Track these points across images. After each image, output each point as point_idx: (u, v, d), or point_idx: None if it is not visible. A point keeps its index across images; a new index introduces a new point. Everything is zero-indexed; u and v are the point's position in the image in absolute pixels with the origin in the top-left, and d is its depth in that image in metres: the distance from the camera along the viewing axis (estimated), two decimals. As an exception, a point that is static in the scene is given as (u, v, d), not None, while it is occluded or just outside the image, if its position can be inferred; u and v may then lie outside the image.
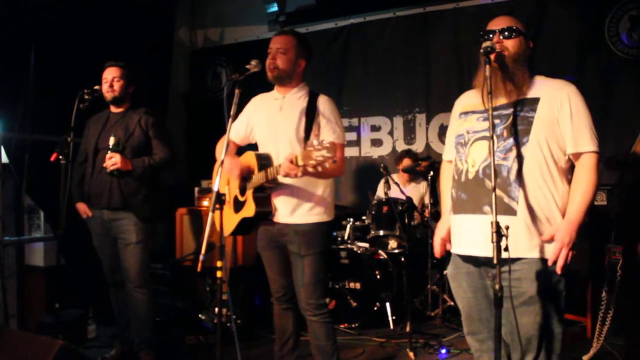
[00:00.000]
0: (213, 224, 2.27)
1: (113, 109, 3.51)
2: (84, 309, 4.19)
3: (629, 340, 3.43)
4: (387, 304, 4.36)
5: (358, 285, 4.36)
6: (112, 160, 3.26)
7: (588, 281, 3.92)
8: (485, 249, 1.87)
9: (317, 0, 5.73)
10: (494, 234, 1.80)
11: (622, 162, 3.73)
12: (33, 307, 4.40)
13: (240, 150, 3.00)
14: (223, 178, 2.94)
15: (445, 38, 5.23)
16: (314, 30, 5.79)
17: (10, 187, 4.32)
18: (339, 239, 4.66)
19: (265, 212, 2.76)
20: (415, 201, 4.79)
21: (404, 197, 4.43)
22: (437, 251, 2.34)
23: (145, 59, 5.01)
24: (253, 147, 2.95)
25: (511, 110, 2.08)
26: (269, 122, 2.83)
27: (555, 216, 2.05)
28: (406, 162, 4.96)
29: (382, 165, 4.51)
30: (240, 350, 2.49)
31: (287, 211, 2.75)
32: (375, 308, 4.31)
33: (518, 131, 2.06)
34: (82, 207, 3.53)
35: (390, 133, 5.54)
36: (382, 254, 4.56)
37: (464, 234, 2.15)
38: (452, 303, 4.50)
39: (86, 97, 3.41)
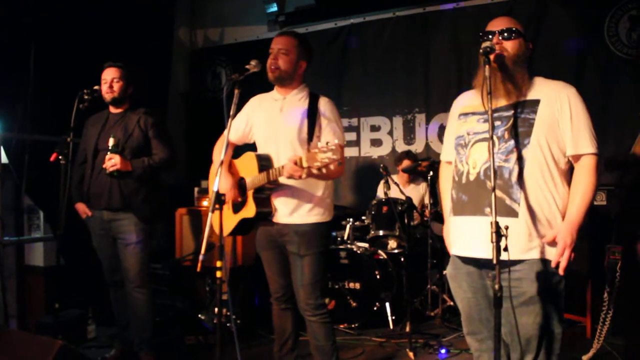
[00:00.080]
0: (212, 224, 2.27)
1: (112, 110, 3.51)
2: (83, 309, 4.19)
3: (629, 340, 3.44)
4: (387, 304, 4.36)
5: (358, 286, 4.37)
6: (112, 162, 3.26)
7: (587, 281, 3.93)
8: (487, 251, 1.87)
9: (317, 0, 5.73)
10: (494, 234, 1.80)
11: (621, 163, 3.73)
12: (33, 307, 4.40)
13: (238, 150, 3.00)
14: (222, 184, 2.94)
15: (445, 38, 5.23)
16: (313, 31, 5.79)
17: (10, 187, 4.32)
18: (339, 239, 4.66)
19: (265, 212, 2.76)
20: (415, 201, 4.79)
21: (403, 198, 4.43)
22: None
23: (145, 59, 5.01)
24: (251, 147, 2.95)
25: (512, 112, 2.08)
26: (269, 122, 2.83)
27: (556, 218, 2.06)
28: (406, 162, 4.96)
29: (381, 165, 4.52)
30: (240, 350, 2.49)
31: (287, 211, 2.75)
32: (375, 308, 4.32)
33: (519, 133, 2.06)
34: (81, 207, 3.53)
35: (390, 133, 5.54)
36: (382, 254, 4.56)
37: (465, 235, 2.15)
38: (451, 303, 4.50)
39: (86, 97, 3.42)
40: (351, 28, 5.68)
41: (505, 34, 2.11)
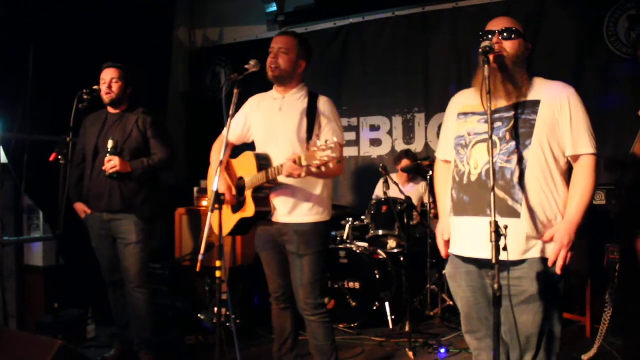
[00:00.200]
0: (212, 225, 2.27)
1: (110, 110, 3.51)
2: (83, 309, 4.19)
3: (628, 340, 3.44)
4: (387, 304, 4.36)
5: (357, 285, 4.37)
6: (112, 164, 3.26)
7: (587, 281, 3.93)
8: (488, 251, 1.87)
9: (316, 0, 5.73)
10: (493, 234, 1.80)
11: (621, 163, 3.73)
12: (32, 307, 4.40)
13: (237, 150, 3.00)
14: (222, 178, 2.94)
15: (445, 38, 5.23)
16: (313, 30, 5.79)
17: (9, 187, 4.32)
18: (338, 238, 4.66)
19: (264, 212, 2.76)
20: (415, 201, 4.79)
21: (403, 197, 4.43)
22: (443, 252, 2.34)
23: (145, 59, 5.01)
24: (250, 146, 2.95)
25: (512, 112, 2.09)
26: (268, 122, 2.83)
27: (557, 217, 2.07)
28: (405, 162, 4.97)
29: (381, 165, 4.52)
30: (240, 350, 2.50)
31: (286, 211, 2.75)
32: (375, 308, 4.32)
33: (520, 134, 2.06)
34: (80, 207, 3.53)
35: (390, 133, 5.54)
36: (382, 254, 4.56)
37: (467, 236, 2.15)
38: (451, 303, 4.51)
39: (85, 97, 3.42)
40: (350, 28, 5.68)
41: (505, 34, 2.12)
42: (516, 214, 2.03)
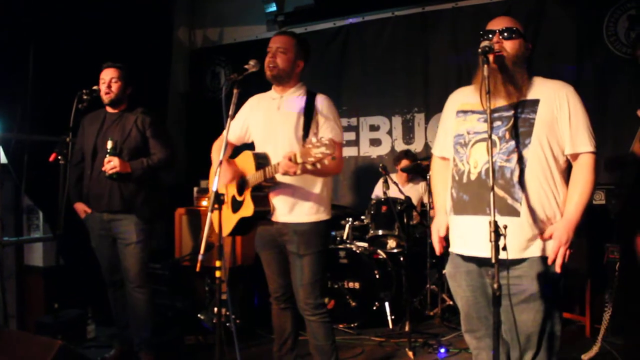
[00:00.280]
0: (212, 224, 2.27)
1: (109, 109, 3.50)
2: (83, 309, 4.19)
3: (628, 339, 3.44)
4: (386, 304, 4.36)
5: (357, 285, 4.37)
6: (111, 164, 3.26)
7: (587, 280, 3.93)
8: (488, 250, 1.87)
9: (316, 0, 5.73)
10: (492, 234, 1.81)
11: (621, 162, 3.73)
12: (32, 307, 4.40)
13: (237, 150, 3.00)
14: (222, 178, 2.94)
15: (444, 38, 5.23)
16: (312, 30, 5.79)
17: (9, 187, 4.32)
18: (338, 238, 4.66)
19: (263, 211, 2.76)
20: (414, 201, 4.79)
21: (402, 197, 4.43)
22: (438, 249, 2.34)
23: (145, 59, 5.01)
24: (250, 146, 2.95)
25: (512, 112, 2.09)
26: (267, 121, 2.84)
27: (556, 216, 2.07)
28: (405, 162, 4.97)
29: (380, 165, 4.53)
30: (239, 350, 2.50)
31: (286, 210, 2.75)
32: (374, 308, 4.32)
33: (520, 133, 2.06)
34: (80, 207, 3.53)
35: (389, 133, 5.54)
36: (381, 254, 4.56)
37: (466, 234, 2.16)
38: (451, 302, 4.51)
39: (85, 97, 3.41)
40: (350, 28, 5.68)
41: (506, 34, 2.12)
42: (516, 213, 2.04)
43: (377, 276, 4.30)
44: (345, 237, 4.67)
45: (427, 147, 5.35)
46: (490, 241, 1.81)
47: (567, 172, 2.13)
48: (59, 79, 4.28)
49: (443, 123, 2.37)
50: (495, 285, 1.83)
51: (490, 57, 2.03)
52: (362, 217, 4.84)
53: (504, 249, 1.81)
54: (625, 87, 4.47)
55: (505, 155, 2.07)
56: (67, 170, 3.38)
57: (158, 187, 3.53)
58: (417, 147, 5.38)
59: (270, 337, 3.35)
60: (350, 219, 4.73)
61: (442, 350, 3.74)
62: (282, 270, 2.88)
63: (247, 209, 2.76)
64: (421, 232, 4.81)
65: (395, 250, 4.67)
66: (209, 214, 2.29)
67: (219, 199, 2.33)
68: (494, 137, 2.03)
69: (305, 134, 2.68)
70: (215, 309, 2.53)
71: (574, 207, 2.04)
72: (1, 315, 3.71)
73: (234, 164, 2.89)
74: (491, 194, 1.85)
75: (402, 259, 4.56)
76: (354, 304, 4.34)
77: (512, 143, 2.06)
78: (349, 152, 5.66)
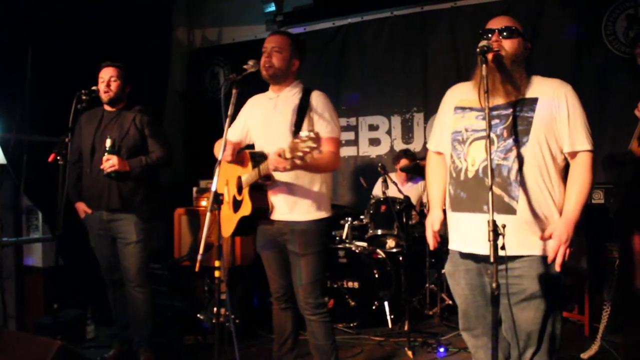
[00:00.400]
0: (211, 224, 2.28)
1: (107, 108, 3.50)
2: (82, 309, 4.19)
3: (627, 338, 3.44)
4: (386, 303, 4.36)
5: (356, 285, 4.37)
6: (110, 163, 3.26)
7: (586, 279, 3.94)
8: (485, 247, 1.88)
9: (315, 0, 5.73)
10: (491, 233, 1.81)
11: (619, 161, 3.73)
12: (32, 307, 4.39)
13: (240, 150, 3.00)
14: (221, 178, 2.95)
15: (443, 37, 5.23)
16: (311, 30, 5.80)
17: (8, 188, 4.32)
18: (337, 238, 4.66)
19: (261, 209, 2.76)
20: (413, 200, 4.79)
21: (401, 197, 4.43)
22: (431, 244, 2.33)
23: (144, 59, 5.01)
24: (252, 147, 2.96)
25: (510, 110, 2.09)
26: (264, 121, 2.85)
27: (553, 214, 2.07)
28: (404, 161, 4.97)
29: (379, 164, 4.53)
30: (239, 350, 2.50)
31: (285, 208, 2.75)
32: (374, 307, 4.32)
33: (518, 131, 2.07)
34: (81, 207, 3.52)
35: (388, 132, 5.54)
36: (380, 253, 4.56)
37: (463, 231, 2.17)
38: (450, 302, 4.51)
39: (84, 97, 3.41)
40: (349, 28, 5.68)
41: (505, 33, 2.12)
42: (512, 211, 2.04)
43: (377, 276, 4.30)
44: (344, 236, 4.67)
45: (426, 147, 5.31)
46: (489, 240, 1.81)
47: (564, 170, 2.13)
48: (58, 79, 4.28)
49: (440, 118, 2.37)
50: (494, 285, 1.83)
51: (489, 56, 2.04)
52: (361, 217, 4.84)
53: (503, 248, 1.82)
54: (624, 86, 4.47)
55: (502, 153, 2.07)
56: (66, 170, 3.38)
57: (157, 187, 3.53)
58: (416, 146, 5.38)
59: (270, 337, 3.36)
60: (350, 219, 4.73)
61: (442, 349, 3.74)
62: (283, 271, 2.88)
63: (246, 208, 2.76)
64: (420, 231, 4.80)
65: (394, 250, 4.67)
66: (207, 213, 2.30)
67: (218, 199, 2.33)
68: (492, 135, 2.03)
69: (297, 130, 2.68)
70: (215, 309, 2.54)
71: (572, 206, 2.04)
72: (0, 315, 3.71)
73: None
74: (489, 193, 1.85)
75: (401, 258, 4.56)
76: (353, 303, 4.35)
77: (510, 141, 2.07)
78: (348, 151, 5.67)
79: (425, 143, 5.35)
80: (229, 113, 2.46)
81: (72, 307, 4.17)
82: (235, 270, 4.26)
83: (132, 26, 5.03)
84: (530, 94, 2.11)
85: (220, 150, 2.50)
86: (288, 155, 2.30)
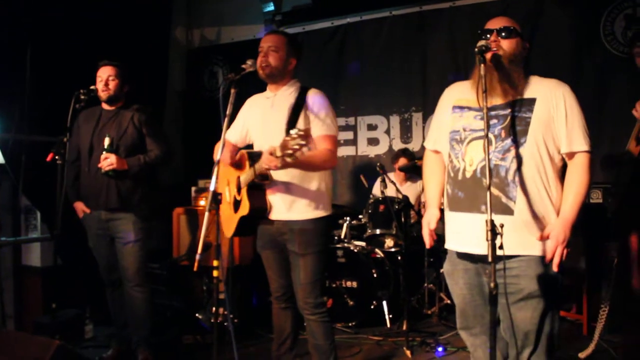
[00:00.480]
0: (209, 224, 2.28)
1: (105, 107, 3.50)
2: (81, 309, 4.19)
3: (625, 338, 3.45)
4: (384, 303, 4.37)
5: (355, 284, 4.37)
6: (108, 161, 3.26)
7: (584, 279, 3.94)
8: (482, 247, 1.88)
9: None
10: (489, 232, 1.81)
11: (617, 161, 3.74)
12: (30, 307, 4.39)
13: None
14: (221, 178, 2.95)
15: (442, 37, 5.24)
16: (310, 30, 5.80)
17: (7, 187, 4.32)
18: (336, 237, 4.66)
19: (260, 209, 2.76)
20: (412, 200, 4.79)
21: (400, 196, 4.43)
22: (428, 242, 2.33)
23: (142, 58, 5.00)
24: (251, 147, 2.97)
25: (509, 110, 2.10)
26: (262, 120, 2.85)
27: (550, 214, 2.08)
28: (402, 161, 4.97)
29: (378, 164, 4.53)
30: (237, 349, 2.50)
31: (284, 207, 2.76)
32: (372, 307, 4.32)
33: (516, 132, 2.07)
34: (79, 206, 3.52)
35: (387, 132, 5.55)
36: (379, 253, 4.57)
37: (461, 231, 2.17)
38: (448, 301, 4.51)
39: (82, 97, 3.40)
40: (348, 27, 5.68)
41: (503, 33, 2.12)
42: (509, 211, 2.05)
43: (375, 275, 4.30)
44: (343, 236, 4.67)
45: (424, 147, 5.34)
46: (487, 240, 1.82)
47: (562, 171, 2.14)
48: (57, 79, 4.27)
49: (437, 117, 2.37)
50: (492, 284, 1.83)
51: (487, 56, 2.04)
52: (360, 216, 4.84)
53: (501, 247, 1.82)
54: (622, 86, 4.47)
55: (500, 153, 2.08)
56: (64, 170, 3.38)
57: (156, 186, 3.53)
58: (414, 146, 5.38)
59: (269, 337, 3.36)
60: (348, 218, 4.73)
61: (440, 348, 3.75)
62: (283, 271, 2.88)
63: (244, 208, 2.76)
64: (419, 231, 4.78)
65: (392, 249, 4.67)
66: (206, 213, 2.30)
67: (216, 199, 2.33)
68: (490, 135, 2.03)
69: (290, 128, 2.68)
70: (213, 309, 2.54)
71: (569, 206, 2.04)
72: (-1, 315, 3.72)
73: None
74: (488, 193, 1.85)
75: (399, 258, 4.56)
76: (351, 303, 4.35)
77: (508, 142, 2.07)
78: (346, 151, 5.67)
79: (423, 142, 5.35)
80: (228, 113, 2.46)
81: (71, 306, 4.17)
82: (234, 269, 4.25)
83: (131, 26, 5.02)
84: (528, 94, 2.11)
85: (218, 151, 2.50)
86: (279, 154, 2.31)
